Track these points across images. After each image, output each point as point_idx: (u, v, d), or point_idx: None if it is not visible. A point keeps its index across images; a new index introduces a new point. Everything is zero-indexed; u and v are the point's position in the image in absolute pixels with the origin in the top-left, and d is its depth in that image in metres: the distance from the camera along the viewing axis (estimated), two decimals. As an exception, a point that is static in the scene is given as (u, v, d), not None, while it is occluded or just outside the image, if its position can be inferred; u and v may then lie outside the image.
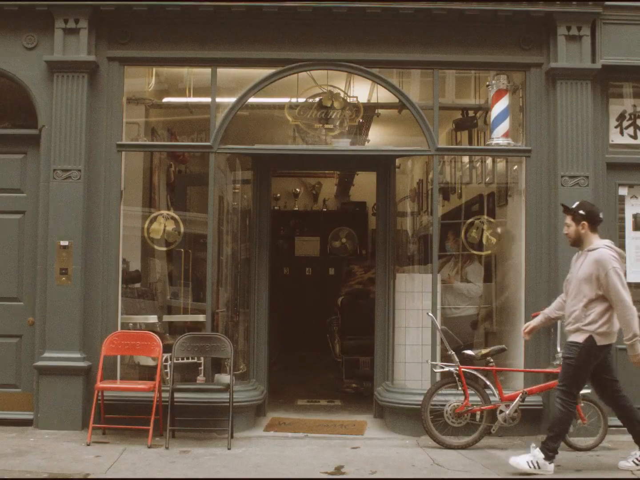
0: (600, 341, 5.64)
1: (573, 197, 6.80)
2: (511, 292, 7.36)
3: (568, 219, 5.86)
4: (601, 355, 5.72)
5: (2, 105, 7.25)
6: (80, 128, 6.82)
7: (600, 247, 5.70)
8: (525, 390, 6.46)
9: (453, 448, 6.32)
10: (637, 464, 5.80)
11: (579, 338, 5.66)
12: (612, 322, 5.67)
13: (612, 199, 7.12)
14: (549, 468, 5.63)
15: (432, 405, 6.41)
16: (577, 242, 5.85)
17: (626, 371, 6.99)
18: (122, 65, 7.03)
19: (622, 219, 7.17)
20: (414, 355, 7.13)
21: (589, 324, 5.63)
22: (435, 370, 6.64)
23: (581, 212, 5.79)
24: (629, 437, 6.68)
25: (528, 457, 5.65)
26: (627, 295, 5.59)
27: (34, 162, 7.00)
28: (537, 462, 5.61)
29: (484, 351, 6.51)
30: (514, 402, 6.36)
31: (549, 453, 5.64)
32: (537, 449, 5.67)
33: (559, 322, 6.56)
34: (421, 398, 6.47)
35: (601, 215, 5.87)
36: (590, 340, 5.63)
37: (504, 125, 7.15)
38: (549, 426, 5.84)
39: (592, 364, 5.71)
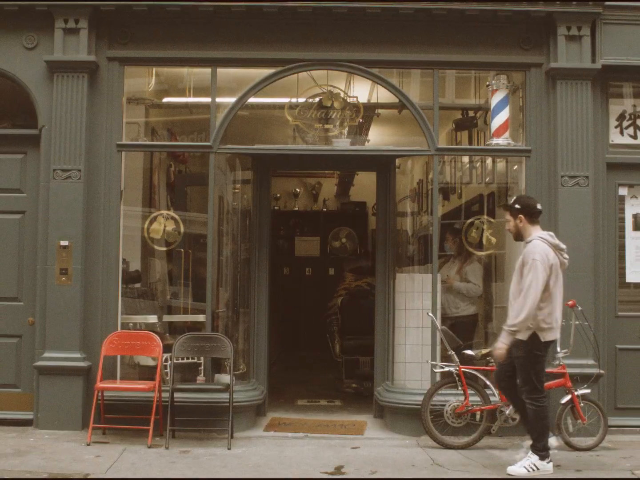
0: (544, 337, 5.60)
1: (573, 197, 6.83)
2: (511, 292, 7.35)
3: (507, 215, 5.88)
4: (547, 351, 5.69)
5: (2, 105, 7.25)
6: (80, 128, 6.83)
7: (535, 238, 5.67)
8: (525, 390, 6.47)
9: (453, 448, 6.31)
10: (528, 471, 5.60)
11: (523, 336, 5.56)
12: (553, 317, 5.61)
13: (612, 199, 7.12)
14: (548, 467, 5.62)
15: (432, 405, 6.41)
16: (519, 237, 5.87)
17: (626, 371, 7.01)
18: (122, 65, 7.03)
19: (622, 219, 7.17)
20: (414, 355, 7.13)
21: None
22: (435, 370, 6.65)
23: (517, 206, 5.79)
24: (629, 437, 6.72)
25: (524, 462, 5.62)
26: (537, 292, 5.47)
27: (34, 162, 7.00)
28: (534, 465, 5.60)
29: (484, 351, 6.52)
30: (514, 402, 6.36)
31: (541, 452, 5.63)
32: (530, 451, 5.66)
33: (558, 322, 6.57)
34: (421, 398, 6.47)
35: (538, 207, 5.83)
36: (534, 336, 5.57)
37: (504, 125, 7.15)
38: (528, 428, 5.78)
39: (543, 358, 5.65)
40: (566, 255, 5.77)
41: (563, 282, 5.76)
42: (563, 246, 5.76)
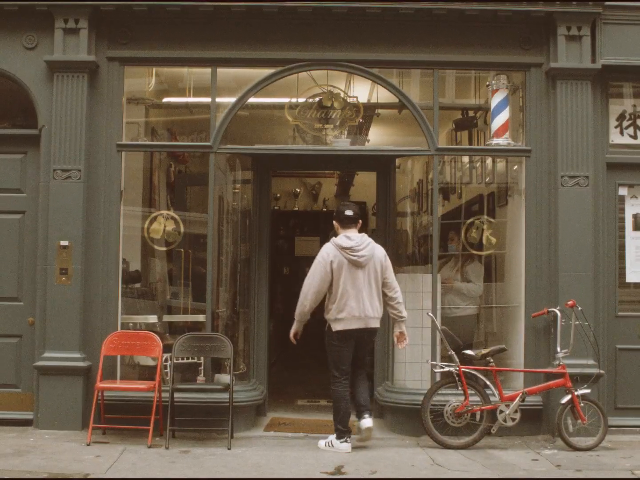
0: (335, 327, 6.27)
1: (573, 197, 6.84)
2: (511, 292, 7.35)
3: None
4: (347, 340, 6.29)
5: (2, 105, 7.25)
6: (80, 128, 6.83)
7: (330, 241, 6.40)
8: (525, 390, 6.47)
9: (453, 448, 6.31)
10: (326, 445, 6.31)
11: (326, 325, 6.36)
12: (344, 309, 6.23)
13: (612, 199, 7.12)
14: (341, 447, 6.20)
15: (432, 405, 6.41)
16: None
17: (626, 371, 7.01)
18: (122, 65, 7.03)
19: (622, 219, 7.17)
20: (414, 355, 7.12)
21: (326, 312, 6.35)
22: (435, 370, 6.64)
23: (334, 213, 6.59)
24: (629, 437, 6.73)
25: (327, 439, 6.33)
26: (309, 286, 6.32)
27: (34, 162, 7.00)
28: (331, 442, 6.28)
29: (484, 351, 6.52)
30: (514, 402, 6.37)
31: (337, 432, 6.27)
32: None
33: (559, 322, 6.58)
34: (421, 398, 6.47)
35: (346, 213, 6.42)
36: (328, 327, 6.34)
37: (504, 125, 7.15)
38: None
39: (339, 347, 6.30)
40: (358, 254, 6.27)
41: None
42: (347, 246, 6.26)
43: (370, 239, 6.43)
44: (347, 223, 6.43)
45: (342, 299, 6.24)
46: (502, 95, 7.17)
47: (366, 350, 6.57)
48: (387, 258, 6.47)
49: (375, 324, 6.37)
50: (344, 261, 6.26)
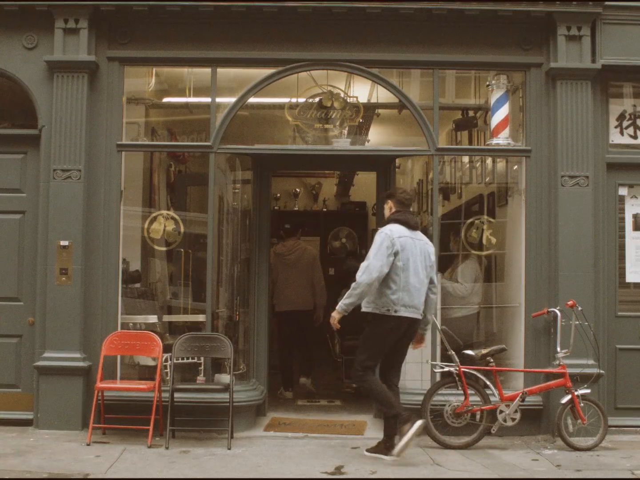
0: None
1: (573, 197, 6.83)
2: (511, 291, 7.35)
3: None
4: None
5: (2, 105, 7.25)
6: (80, 128, 6.82)
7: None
8: (525, 390, 6.47)
9: (453, 448, 6.31)
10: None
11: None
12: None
13: (612, 199, 7.12)
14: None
15: (432, 405, 6.41)
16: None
17: (626, 371, 7.02)
18: (122, 65, 7.02)
19: (622, 219, 7.17)
20: (414, 355, 7.09)
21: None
22: (435, 370, 6.64)
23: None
24: (629, 437, 6.74)
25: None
26: None
27: (34, 162, 7.00)
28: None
29: (484, 351, 6.51)
30: (514, 402, 6.37)
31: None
32: None
33: (559, 322, 6.58)
34: (421, 398, 6.46)
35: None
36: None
37: (504, 125, 7.15)
38: None
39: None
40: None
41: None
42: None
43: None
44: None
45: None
46: (502, 95, 7.17)
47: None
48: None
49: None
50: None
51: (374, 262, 5.84)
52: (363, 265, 5.88)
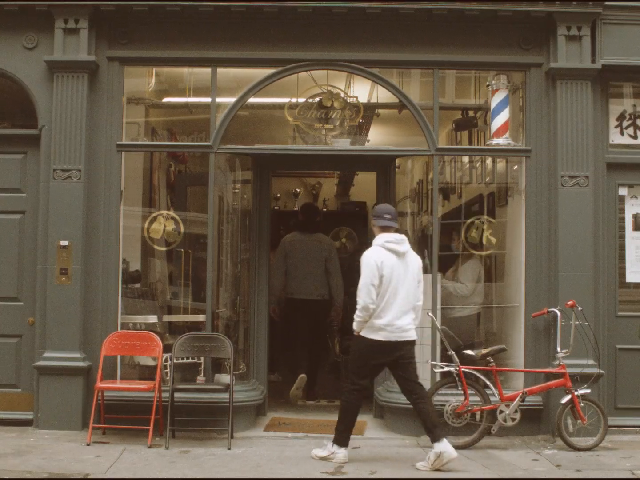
0: None
1: (573, 197, 6.84)
2: (511, 292, 7.36)
3: None
4: None
5: (2, 105, 7.25)
6: (80, 128, 6.82)
7: None
8: (525, 390, 6.47)
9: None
10: None
11: None
12: None
13: (612, 199, 7.12)
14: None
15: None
16: None
17: (626, 371, 7.02)
18: (122, 65, 7.02)
19: (622, 219, 7.17)
20: (414, 356, 7.12)
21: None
22: (435, 370, 6.64)
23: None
24: (629, 437, 6.74)
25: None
26: None
27: (34, 162, 7.00)
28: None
29: (484, 351, 6.52)
30: (514, 402, 6.37)
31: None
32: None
33: (559, 322, 6.58)
34: (421, 398, 6.46)
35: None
36: None
37: (504, 125, 7.15)
38: None
39: None
40: None
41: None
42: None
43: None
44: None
45: None
46: (502, 95, 7.17)
47: None
48: None
49: None
50: None
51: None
52: None
